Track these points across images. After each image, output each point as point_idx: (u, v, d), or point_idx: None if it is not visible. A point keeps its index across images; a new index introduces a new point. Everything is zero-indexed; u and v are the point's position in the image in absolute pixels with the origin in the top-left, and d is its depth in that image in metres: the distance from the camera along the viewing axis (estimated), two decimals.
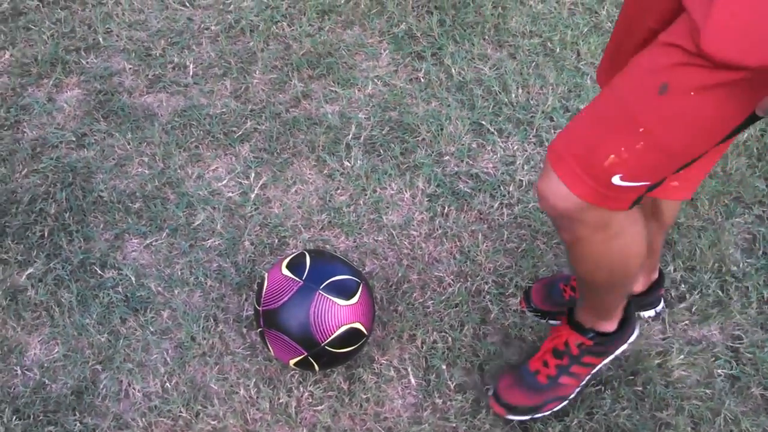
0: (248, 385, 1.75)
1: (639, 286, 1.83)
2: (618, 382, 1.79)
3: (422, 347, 1.84)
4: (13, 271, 1.94)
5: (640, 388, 1.79)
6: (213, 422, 1.70)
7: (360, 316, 1.62)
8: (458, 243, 2.02)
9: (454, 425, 1.72)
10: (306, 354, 1.60)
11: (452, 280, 1.95)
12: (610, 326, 1.64)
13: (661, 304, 1.89)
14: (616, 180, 1.12)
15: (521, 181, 2.14)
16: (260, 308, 1.62)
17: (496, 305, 1.90)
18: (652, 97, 1.04)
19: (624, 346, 1.71)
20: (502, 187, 2.13)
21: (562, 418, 1.72)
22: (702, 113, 1.04)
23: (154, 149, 2.20)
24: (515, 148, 2.23)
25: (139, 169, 2.16)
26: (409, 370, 1.80)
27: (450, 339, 1.84)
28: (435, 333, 1.85)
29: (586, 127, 1.15)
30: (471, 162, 2.20)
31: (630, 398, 1.77)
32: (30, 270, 1.94)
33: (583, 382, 1.70)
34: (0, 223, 2.03)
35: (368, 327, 1.65)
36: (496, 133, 2.26)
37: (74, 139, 2.22)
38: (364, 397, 1.75)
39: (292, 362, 1.63)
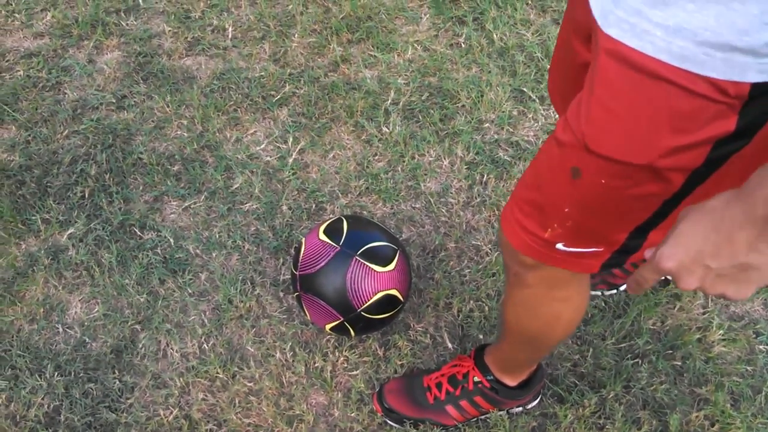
0: (284, 349, 1.76)
1: None
2: (656, 356, 1.76)
3: (458, 316, 1.83)
4: (54, 230, 1.96)
5: (678, 363, 1.76)
6: (249, 384, 1.72)
7: (396, 282, 1.61)
8: (496, 212, 2.00)
9: None
10: (342, 319, 1.60)
11: (490, 249, 1.93)
12: (511, 381, 1.60)
13: None
14: (560, 246, 1.06)
15: None
16: (297, 273, 1.63)
17: None
18: (567, 181, 0.97)
19: (518, 408, 1.67)
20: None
21: (599, 390, 1.71)
22: (619, 197, 0.95)
23: (192, 112, 2.20)
24: (557, 116, 2.19)
25: (178, 132, 2.16)
26: (446, 337, 1.79)
27: (487, 308, 1.83)
28: (471, 302, 1.84)
29: (525, 199, 1.09)
30: (511, 130, 2.16)
31: (668, 372, 1.75)
32: (71, 230, 1.96)
33: (466, 420, 1.65)
34: (42, 183, 2.05)
35: (404, 294, 1.64)
36: (537, 100, 2.22)
37: (114, 101, 2.23)
38: (400, 363, 1.75)
39: (328, 327, 1.64)
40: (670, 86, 0.80)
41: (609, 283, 1.85)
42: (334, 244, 1.59)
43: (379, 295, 1.58)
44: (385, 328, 1.76)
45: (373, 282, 1.58)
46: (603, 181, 0.93)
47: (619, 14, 0.81)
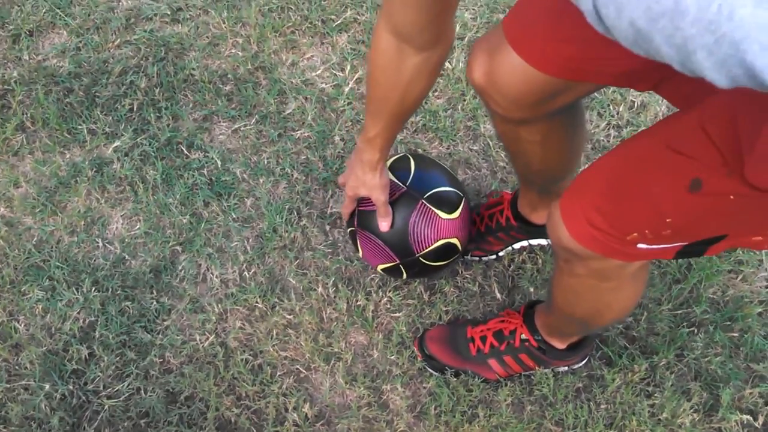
0: (327, 284, 1.71)
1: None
2: (714, 326, 1.68)
3: (509, 266, 1.75)
4: (100, 142, 1.91)
5: (736, 335, 1.68)
6: (288, 316, 1.67)
7: (458, 231, 1.51)
8: None
9: None
10: (398, 262, 1.51)
11: None
12: (560, 345, 1.54)
13: None
14: (642, 246, 1.01)
15: (633, 102, 1.99)
16: (357, 207, 1.54)
17: None
18: (682, 192, 0.91)
19: (564, 368, 1.61)
20: (612, 107, 1.98)
21: (650, 356, 1.63)
22: (742, 210, 0.91)
23: (249, 31, 2.11)
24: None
25: (233, 50, 2.08)
26: (494, 287, 1.72)
27: (540, 261, 1.75)
28: (524, 253, 1.76)
29: (607, 200, 1.01)
30: None
31: (725, 345, 1.66)
32: (117, 143, 1.90)
33: (509, 375, 1.59)
34: (90, 92, 1.99)
35: (463, 243, 1.55)
36: None
37: (169, 12, 2.15)
38: (444, 309, 1.69)
39: (380, 267, 1.55)
40: None
41: (485, 250, 1.75)
42: (400, 184, 1.50)
43: (441, 242, 1.49)
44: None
45: (436, 228, 1.48)
46: (731, 198, 0.89)
47: None
